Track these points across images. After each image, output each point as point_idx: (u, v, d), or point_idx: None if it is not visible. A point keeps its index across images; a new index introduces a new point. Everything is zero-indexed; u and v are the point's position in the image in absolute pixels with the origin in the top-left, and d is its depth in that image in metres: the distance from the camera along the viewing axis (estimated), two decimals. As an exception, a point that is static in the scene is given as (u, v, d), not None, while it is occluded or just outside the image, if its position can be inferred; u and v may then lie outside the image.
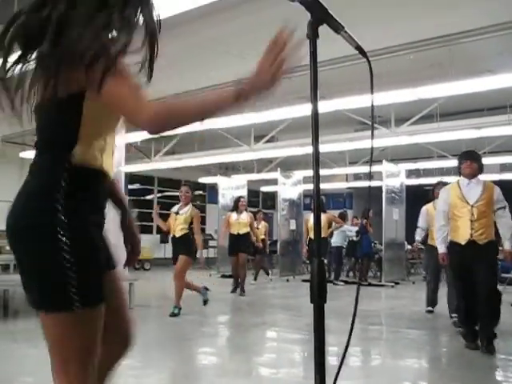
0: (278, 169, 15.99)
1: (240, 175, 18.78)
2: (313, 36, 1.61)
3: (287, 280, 14.20)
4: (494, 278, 5.74)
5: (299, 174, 16.34)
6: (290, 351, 5.99)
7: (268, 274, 14.94)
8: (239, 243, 11.10)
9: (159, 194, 21.55)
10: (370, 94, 1.73)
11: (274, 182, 17.03)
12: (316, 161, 1.62)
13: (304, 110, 9.95)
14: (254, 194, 22.53)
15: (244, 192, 16.94)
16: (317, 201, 1.65)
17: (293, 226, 15.67)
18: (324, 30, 1.65)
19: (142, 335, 6.51)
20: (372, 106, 1.88)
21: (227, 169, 19.73)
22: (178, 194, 19.69)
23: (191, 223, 8.10)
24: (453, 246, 5.83)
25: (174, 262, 8.05)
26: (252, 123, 11.78)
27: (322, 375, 1.57)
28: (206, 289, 8.67)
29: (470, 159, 5.86)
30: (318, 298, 1.59)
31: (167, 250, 19.65)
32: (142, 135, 12.95)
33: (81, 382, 1.77)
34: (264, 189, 22.86)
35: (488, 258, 5.62)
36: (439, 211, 6.05)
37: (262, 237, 13.55)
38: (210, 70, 9.07)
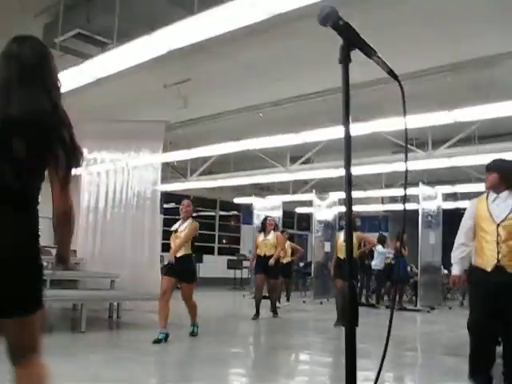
0: (313, 190, 15.95)
1: (275, 196, 18.77)
2: (345, 60, 1.61)
3: (321, 302, 14.08)
4: None
5: (334, 196, 16.26)
6: (321, 374, 5.92)
7: (288, 300, 13.90)
8: (266, 265, 10.48)
9: (194, 214, 21.60)
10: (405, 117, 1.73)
11: (309, 203, 16.97)
12: (348, 182, 1.61)
13: (339, 132, 9.94)
14: (288, 215, 22.46)
15: (279, 213, 16.92)
16: (348, 222, 1.64)
17: (327, 247, 15.56)
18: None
19: (174, 354, 6.55)
20: (405, 129, 1.88)
21: (262, 189, 19.74)
22: (213, 213, 19.52)
23: (193, 239, 7.74)
24: (476, 271, 4.61)
25: (172, 281, 7.41)
26: (288, 145, 11.80)
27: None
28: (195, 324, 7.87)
29: (486, 171, 4.85)
30: (350, 321, 1.57)
31: (201, 270, 19.75)
32: (178, 155, 13.11)
33: None
34: (299, 210, 22.77)
35: None
36: (462, 227, 4.82)
37: (289, 259, 13.41)
38: (245, 91, 9.16)
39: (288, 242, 13.43)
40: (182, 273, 7.36)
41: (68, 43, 7.38)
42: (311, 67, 7.80)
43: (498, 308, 4.31)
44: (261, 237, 10.86)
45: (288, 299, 13.69)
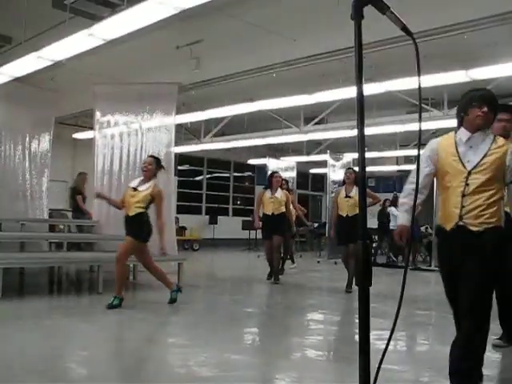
0: (328, 151, 15.89)
1: (289, 157, 18.74)
2: (357, 17, 1.58)
3: (335, 263, 14.13)
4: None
5: (349, 156, 16.19)
6: (334, 334, 5.98)
7: (293, 262, 12.68)
8: (274, 224, 9.75)
9: (208, 175, 21.69)
10: (421, 75, 1.70)
11: (324, 164, 16.94)
12: (361, 142, 1.60)
13: (353, 91, 9.82)
14: (303, 176, 22.44)
15: (293, 174, 16.90)
16: (362, 182, 1.62)
17: (342, 208, 15.55)
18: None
19: (189, 314, 6.63)
20: (419, 87, 1.84)
21: (276, 150, 19.68)
22: (227, 175, 19.39)
23: (150, 202, 6.90)
24: (438, 231, 3.58)
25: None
26: (302, 105, 11.71)
27: (367, 359, 1.56)
28: (179, 289, 7.22)
29: (488, 104, 3.36)
30: (363, 281, 1.58)
31: (216, 231, 19.86)
32: (192, 117, 13.08)
33: None
34: (313, 171, 22.75)
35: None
36: (421, 171, 3.46)
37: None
38: (258, 52, 9.05)
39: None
40: (132, 229, 6.85)
41: (78, 5, 7.30)
42: (325, 26, 7.67)
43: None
44: (267, 194, 10.00)
45: (292, 260, 12.73)
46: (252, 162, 20.34)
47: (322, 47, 8.69)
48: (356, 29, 1.59)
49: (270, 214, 9.83)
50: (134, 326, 5.91)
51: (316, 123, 13.70)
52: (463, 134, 3.40)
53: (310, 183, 25.26)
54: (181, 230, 17.17)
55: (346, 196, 9.08)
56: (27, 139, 11.20)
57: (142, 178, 7.01)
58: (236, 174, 22.54)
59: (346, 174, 9.45)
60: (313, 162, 19.74)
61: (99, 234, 10.50)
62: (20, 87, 10.15)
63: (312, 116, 13.44)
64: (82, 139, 15.68)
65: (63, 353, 4.73)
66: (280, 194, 9.93)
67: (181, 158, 18.79)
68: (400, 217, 3.63)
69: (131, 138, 10.68)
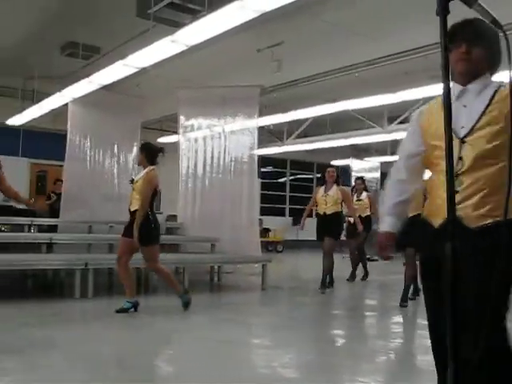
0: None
1: (373, 157, 18.48)
2: (442, 12, 1.53)
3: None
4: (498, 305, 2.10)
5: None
6: (418, 336, 5.85)
7: (367, 276, 10.47)
8: (325, 226, 8.77)
9: (292, 177, 21.70)
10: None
11: (408, 164, 16.60)
12: (448, 142, 1.54)
13: (438, 89, 9.58)
14: (387, 177, 22.07)
15: (377, 175, 16.67)
16: (450, 183, 1.57)
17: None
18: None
19: (273, 316, 6.64)
20: (510, 82, 1.75)
21: (360, 151, 19.44)
22: (310, 176, 19.17)
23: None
24: (420, 228, 2.44)
25: (127, 242, 6.32)
26: (385, 104, 11.53)
27: (457, 368, 1.52)
28: (186, 292, 6.70)
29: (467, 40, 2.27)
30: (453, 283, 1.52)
31: (300, 232, 19.82)
32: (274, 119, 13.13)
33: None
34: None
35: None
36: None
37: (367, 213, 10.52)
38: (339, 52, 8.99)
39: (364, 193, 10.77)
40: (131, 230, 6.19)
41: (161, 13, 7.50)
42: (407, 23, 7.54)
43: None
44: (321, 191, 8.95)
45: (352, 276, 10.29)
46: (335, 163, 20.20)
47: (405, 45, 8.52)
48: (442, 24, 1.54)
49: (322, 213, 8.84)
50: (218, 326, 5.99)
51: (400, 122, 13.45)
52: (453, 88, 2.24)
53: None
54: (264, 232, 17.27)
55: (325, 194, 8.74)
56: (116, 145, 11.58)
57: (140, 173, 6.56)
58: (319, 176, 22.44)
59: (328, 172, 8.93)
60: (397, 162, 19.37)
61: (184, 236, 10.72)
62: (108, 95, 10.53)
63: (396, 115, 13.21)
64: (166, 143, 16.04)
65: (151, 351, 4.85)
66: (334, 191, 8.77)
67: (264, 160, 18.89)
68: (383, 221, 2.61)
69: (214, 141, 10.84)
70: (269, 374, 4.11)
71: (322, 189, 8.94)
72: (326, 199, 8.76)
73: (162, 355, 4.77)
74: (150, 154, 6.48)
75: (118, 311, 6.11)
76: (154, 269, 6.53)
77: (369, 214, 10.45)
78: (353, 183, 16.22)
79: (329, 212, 8.73)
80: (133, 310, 6.27)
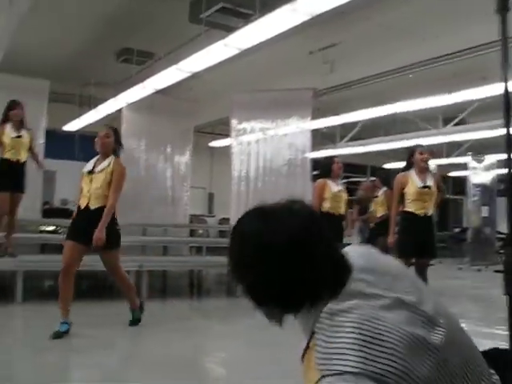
0: (469, 152, 15.23)
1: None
2: (502, 9, 1.49)
3: (478, 270, 13.53)
4: None
5: (491, 158, 15.42)
6: (481, 346, 5.71)
7: None
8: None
9: (344, 180, 21.50)
10: None
11: (464, 166, 16.27)
12: (508, 143, 1.50)
13: (496, 89, 9.37)
14: (442, 180, 21.65)
15: (432, 177, 16.37)
16: (510, 185, 1.53)
17: (485, 212, 14.87)
18: None
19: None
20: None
21: (429, 158, 19.14)
22: (364, 179, 18.93)
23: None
24: None
25: (78, 248, 5.10)
26: (440, 105, 11.32)
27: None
28: (141, 308, 5.74)
29: None
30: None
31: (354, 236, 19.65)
32: (327, 121, 13.07)
33: None
34: (453, 174, 21.90)
35: None
36: None
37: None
38: (392, 53, 8.88)
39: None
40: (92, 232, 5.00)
41: (213, 18, 7.56)
42: (460, 22, 7.39)
43: None
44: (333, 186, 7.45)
45: None
46: (389, 166, 19.94)
47: (459, 45, 8.37)
48: (501, 22, 1.50)
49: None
50: (269, 330, 5.98)
51: (456, 124, 13.19)
52: None
53: (450, 186, 24.34)
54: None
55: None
56: (169, 148, 11.71)
57: (97, 157, 5.38)
58: (373, 179, 22.18)
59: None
60: (453, 164, 19.01)
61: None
62: (161, 99, 10.67)
63: (451, 116, 12.96)
64: (218, 147, 16.19)
65: (203, 353, 4.90)
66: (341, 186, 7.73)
67: (317, 163, 18.80)
68: None
69: (267, 144, 10.84)
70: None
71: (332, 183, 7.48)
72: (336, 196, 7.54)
73: (214, 358, 4.79)
74: (119, 141, 5.56)
75: (54, 337, 4.76)
76: (119, 276, 5.46)
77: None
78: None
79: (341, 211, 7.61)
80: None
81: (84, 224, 5.07)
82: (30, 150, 7.20)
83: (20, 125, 7.08)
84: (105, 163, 5.23)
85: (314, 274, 1.30)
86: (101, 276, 8.55)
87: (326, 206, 7.18)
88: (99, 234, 4.92)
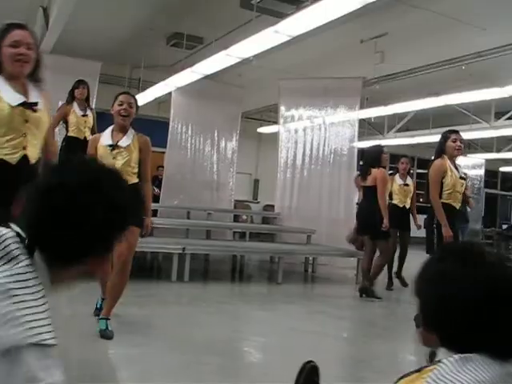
0: (521, 147, 14.90)
1: (477, 154, 17.83)
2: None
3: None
4: None
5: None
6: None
7: (391, 285, 8.15)
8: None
9: (390, 171, 21.26)
10: None
11: (515, 161, 15.93)
12: None
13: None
14: (491, 175, 21.22)
15: (481, 172, 16.09)
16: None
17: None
18: None
19: (366, 311, 6.52)
20: None
21: (464, 147, 18.82)
22: (410, 171, 18.69)
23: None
24: None
25: None
26: (492, 98, 11.08)
27: None
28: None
29: None
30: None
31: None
32: (375, 111, 12.92)
33: None
34: (503, 169, 21.44)
35: None
36: None
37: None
38: (446, 43, 8.70)
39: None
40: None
41: (264, 4, 7.56)
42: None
43: None
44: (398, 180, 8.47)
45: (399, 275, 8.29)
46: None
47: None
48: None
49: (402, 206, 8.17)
50: (310, 317, 6.00)
51: (508, 118, 12.89)
52: None
53: (500, 182, 23.82)
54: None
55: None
56: (216, 133, 11.76)
57: (111, 128, 4.55)
58: (419, 171, 21.88)
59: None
60: (503, 159, 18.60)
61: (280, 226, 10.78)
62: (210, 84, 10.72)
63: (504, 110, 12.66)
64: (266, 133, 16.20)
65: (242, 337, 4.94)
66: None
67: (363, 153, 18.65)
68: None
69: (314, 132, 10.80)
70: (357, 369, 4.08)
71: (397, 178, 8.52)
72: (406, 190, 8.32)
73: (253, 342, 4.83)
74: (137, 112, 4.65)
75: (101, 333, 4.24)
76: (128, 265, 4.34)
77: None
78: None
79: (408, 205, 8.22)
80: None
81: None
82: (93, 129, 7.31)
83: (85, 104, 7.26)
84: (128, 138, 4.47)
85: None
86: (141, 256, 8.69)
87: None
88: (149, 221, 4.52)
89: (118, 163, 4.29)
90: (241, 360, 4.24)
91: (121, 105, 4.34)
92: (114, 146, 4.39)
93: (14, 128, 3.13)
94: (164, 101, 12.06)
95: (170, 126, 11.19)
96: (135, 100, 4.53)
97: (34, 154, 3.22)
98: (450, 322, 1.31)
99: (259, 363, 4.20)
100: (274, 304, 6.58)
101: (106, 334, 4.18)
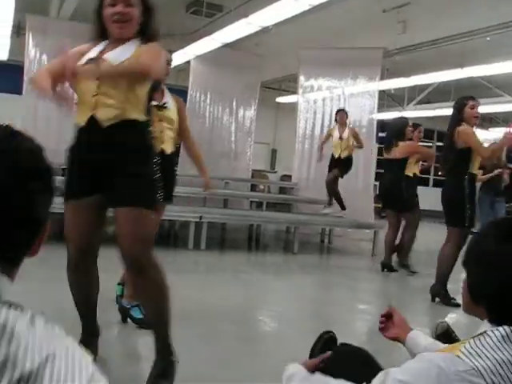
0: (543, 122, 14.66)
1: (499, 128, 17.60)
2: None
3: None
4: None
5: None
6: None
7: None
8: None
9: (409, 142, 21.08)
10: None
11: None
12: None
13: None
14: (513, 149, 20.99)
15: (502, 146, 15.87)
16: None
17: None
18: None
19: (381, 283, 6.51)
20: None
21: (484, 120, 18.56)
22: (430, 144, 18.31)
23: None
24: None
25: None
26: (516, 71, 10.90)
27: None
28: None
29: None
30: None
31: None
32: (396, 83, 12.77)
33: None
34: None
35: None
36: None
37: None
38: (470, 14, 8.53)
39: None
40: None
41: (287, -29, 7.43)
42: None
43: None
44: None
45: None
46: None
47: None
48: None
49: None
50: (326, 288, 6.02)
51: (532, 91, 12.71)
52: None
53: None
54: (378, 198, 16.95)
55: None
56: (234, 102, 11.72)
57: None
58: (439, 144, 21.68)
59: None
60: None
61: (297, 196, 10.77)
62: (229, 52, 10.64)
63: (528, 83, 12.48)
64: (284, 103, 16.10)
65: (257, 305, 4.98)
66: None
67: (382, 125, 18.51)
68: None
69: (334, 103, 10.72)
70: (372, 342, 4.09)
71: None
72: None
73: (267, 311, 4.86)
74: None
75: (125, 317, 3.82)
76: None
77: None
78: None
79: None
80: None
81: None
82: None
83: None
84: (168, 95, 4.22)
85: None
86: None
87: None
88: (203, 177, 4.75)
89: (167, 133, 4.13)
90: (256, 329, 4.27)
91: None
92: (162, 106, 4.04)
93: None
94: (183, 69, 11.99)
95: (189, 95, 11.17)
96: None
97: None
98: (509, 305, 1.31)
99: (274, 333, 4.23)
100: (289, 274, 6.61)
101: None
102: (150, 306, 2.87)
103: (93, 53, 2.71)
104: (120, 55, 2.65)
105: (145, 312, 3.19)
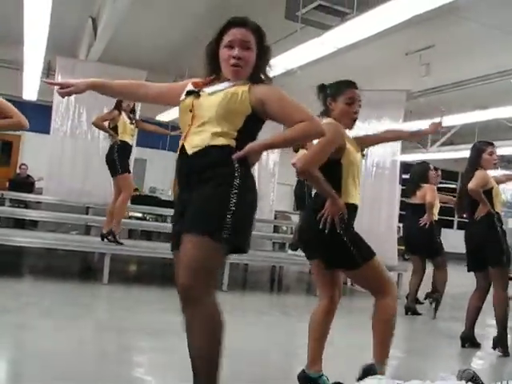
0: None
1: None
2: None
3: None
4: None
5: None
6: None
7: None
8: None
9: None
10: None
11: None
12: None
13: None
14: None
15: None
16: None
17: None
18: None
19: (406, 327, 6.41)
20: None
21: (509, 162, 18.45)
22: (454, 186, 18.29)
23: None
24: None
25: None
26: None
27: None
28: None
29: None
30: None
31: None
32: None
33: None
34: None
35: None
36: None
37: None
38: (493, 56, 8.58)
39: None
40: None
41: (309, 15, 7.57)
42: None
43: None
44: None
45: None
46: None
47: None
48: None
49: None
50: (349, 330, 5.94)
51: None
52: None
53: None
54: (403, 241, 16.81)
55: None
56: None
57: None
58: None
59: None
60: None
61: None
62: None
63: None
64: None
65: (282, 349, 4.92)
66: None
67: (406, 167, 18.46)
68: None
69: (357, 144, 10.72)
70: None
71: None
72: None
73: (294, 355, 4.80)
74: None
75: None
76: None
77: None
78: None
79: None
80: None
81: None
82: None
83: (131, 112, 7.45)
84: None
85: None
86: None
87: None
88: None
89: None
90: (282, 372, 4.22)
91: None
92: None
93: None
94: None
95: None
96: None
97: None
98: None
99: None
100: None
101: None
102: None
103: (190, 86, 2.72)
104: (216, 86, 2.63)
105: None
